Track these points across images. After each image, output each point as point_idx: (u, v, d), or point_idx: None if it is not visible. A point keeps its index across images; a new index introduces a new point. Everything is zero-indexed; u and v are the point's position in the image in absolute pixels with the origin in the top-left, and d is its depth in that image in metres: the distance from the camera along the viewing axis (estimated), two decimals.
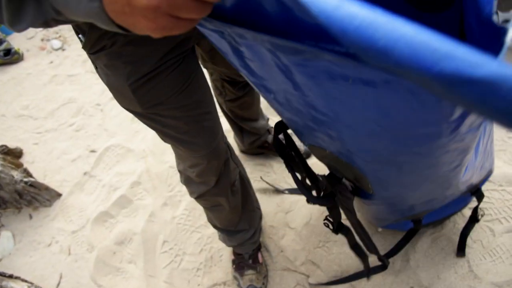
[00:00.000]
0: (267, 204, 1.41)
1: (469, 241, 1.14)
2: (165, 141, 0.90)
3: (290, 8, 0.34)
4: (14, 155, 1.88)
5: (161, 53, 0.72)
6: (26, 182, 1.59)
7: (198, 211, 1.46)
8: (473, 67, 0.21)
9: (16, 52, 2.48)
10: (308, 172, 0.83)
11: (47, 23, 0.51)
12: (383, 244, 1.20)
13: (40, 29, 2.44)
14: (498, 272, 1.08)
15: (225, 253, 1.35)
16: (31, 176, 1.67)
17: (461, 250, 1.11)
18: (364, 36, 0.24)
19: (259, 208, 1.28)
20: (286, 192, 1.40)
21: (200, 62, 0.91)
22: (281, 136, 0.80)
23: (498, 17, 0.39)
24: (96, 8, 0.41)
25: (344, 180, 0.77)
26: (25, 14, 0.50)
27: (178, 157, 1.00)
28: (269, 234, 1.35)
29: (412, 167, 0.59)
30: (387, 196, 0.79)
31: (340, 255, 1.23)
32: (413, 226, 1.03)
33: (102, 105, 2.04)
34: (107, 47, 0.70)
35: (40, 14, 0.49)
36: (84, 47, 0.71)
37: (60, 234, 1.58)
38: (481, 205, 1.10)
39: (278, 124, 0.78)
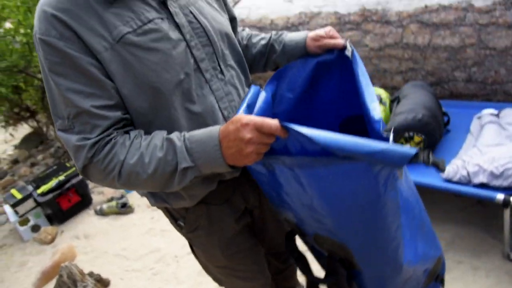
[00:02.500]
0: None
1: None
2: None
3: (304, 143, 0.78)
4: (103, 283, 2.37)
5: (234, 222, 1.12)
6: None
7: None
8: (377, 147, 0.70)
9: (130, 206, 3.22)
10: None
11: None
12: None
13: None
14: None
15: None
16: None
17: None
18: (339, 145, 0.71)
19: None
20: None
21: None
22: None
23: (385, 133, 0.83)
24: (221, 159, 0.83)
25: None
26: (171, 187, 0.89)
27: None
28: None
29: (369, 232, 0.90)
30: (370, 275, 1.02)
31: None
32: None
33: (179, 257, 2.53)
34: (202, 225, 1.08)
35: (183, 183, 0.88)
36: (182, 230, 1.13)
37: None
38: None
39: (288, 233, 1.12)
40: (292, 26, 2.83)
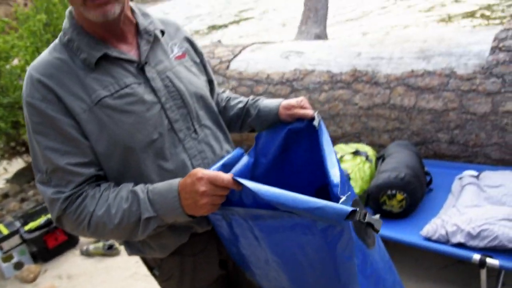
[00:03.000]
0: None
1: None
2: None
3: (255, 196, 0.83)
4: None
5: (214, 268, 1.18)
6: None
7: None
8: (315, 203, 0.75)
9: (116, 248, 3.20)
10: None
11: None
12: None
13: None
14: None
15: None
16: None
17: None
18: (280, 200, 0.78)
19: None
20: None
21: None
22: None
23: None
24: (180, 209, 0.90)
25: None
26: (136, 236, 0.96)
27: None
28: None
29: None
30: None
31: None
32: None
33: None
34: (175, 275, 1.12)
35: (146, 232, 0.95)
36: (158, 278, 1.18)
37: None
38: None
39: None
40: (287, 81, 2.98)
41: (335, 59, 2.85)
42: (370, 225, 0.76)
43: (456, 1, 8.12)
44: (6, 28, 4.23)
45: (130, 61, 1.02)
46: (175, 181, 0.93)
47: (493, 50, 2.26)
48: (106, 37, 1.01)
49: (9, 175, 5.26)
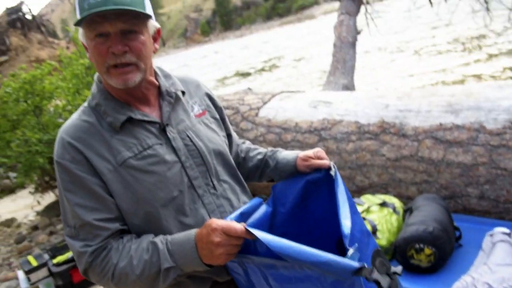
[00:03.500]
0: None
1: None
2: None
3: (267, 247, 0.85)
4: None
5: None
6: None
7: None
8: (322, 257, 0.78)
9: None
10: None
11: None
12: None
13: None
14: None
15: None
16: None
17: None
18: (288, 253, 0.81)
19: None
20: None
21: None
22: None
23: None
24: (198, 259, 0.95)
25: None
26: (158, 285, 1.01)
27: None
28: None
29: None
30: None
31: None
32: None
33: None
34: None
35: (167, 281, 1.00)
36: None
37: None
38: None
39: None
40: (315, 130, 3.05)
41: (363, 110, 2.91)
42: (377, 282, 0.77)
43: (487, 59, 8.20)
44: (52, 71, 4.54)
45: (152, 123, 1.11)
46: (192, 232, 0.99)
47: None
48: (130, 101, 1.11)
49: (40, 207, 5.44)
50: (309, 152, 1.22)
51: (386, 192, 2.72)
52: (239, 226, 0.92)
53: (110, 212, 1.03)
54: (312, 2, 51.31)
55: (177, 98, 1.19)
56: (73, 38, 5.34)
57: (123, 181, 1.04)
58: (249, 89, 4.43)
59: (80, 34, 1.07)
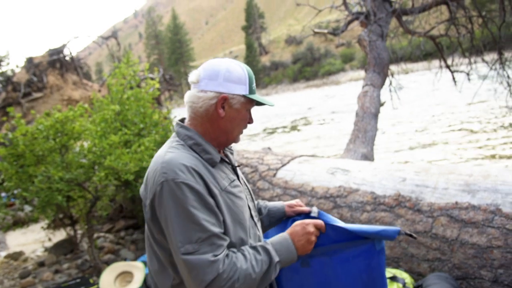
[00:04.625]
0: None
1: None
2: None
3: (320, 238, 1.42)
4: None
5: None
6: None
7: None
8: (377, 228, 1.39)
9: None
10: None
11: None
12: None
13: None
14: None
15: None
16: None
17: None
18: (361, 230, 1.39)
19: None
20: None
21: None
22: None
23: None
24: (295, 251, 1.34)
25: None
26: (270, 279, 1.29)
27: None
28: None
29: None
30: None
31: None
32: None
33: None
34: None
35: (275, 275, 1.30)
36: None
37: None
38: None
39: None
40: (331, 197, 3.08)
41: (380, 181, 2.95)
42: (412, 236, 1.36)
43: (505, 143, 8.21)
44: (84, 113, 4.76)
45: (227, 163, 1.47)
46: (284, 234, 1.36)
47: None
48: (217, 147, 1.46)
49: (49, 244, 5.46)
50: (292, 202, 1.68)
51: (397, 266, 2.68)
52: (321, 222, 1.39)
53: (221, 227, 1.28)
54: (339, 69, 52.81)
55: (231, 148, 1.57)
56: (107, 84, 5.64)
57: (226, 203, 1.33)
58: (269, 148, 4.53)
59: (237, 101, 1.39)
